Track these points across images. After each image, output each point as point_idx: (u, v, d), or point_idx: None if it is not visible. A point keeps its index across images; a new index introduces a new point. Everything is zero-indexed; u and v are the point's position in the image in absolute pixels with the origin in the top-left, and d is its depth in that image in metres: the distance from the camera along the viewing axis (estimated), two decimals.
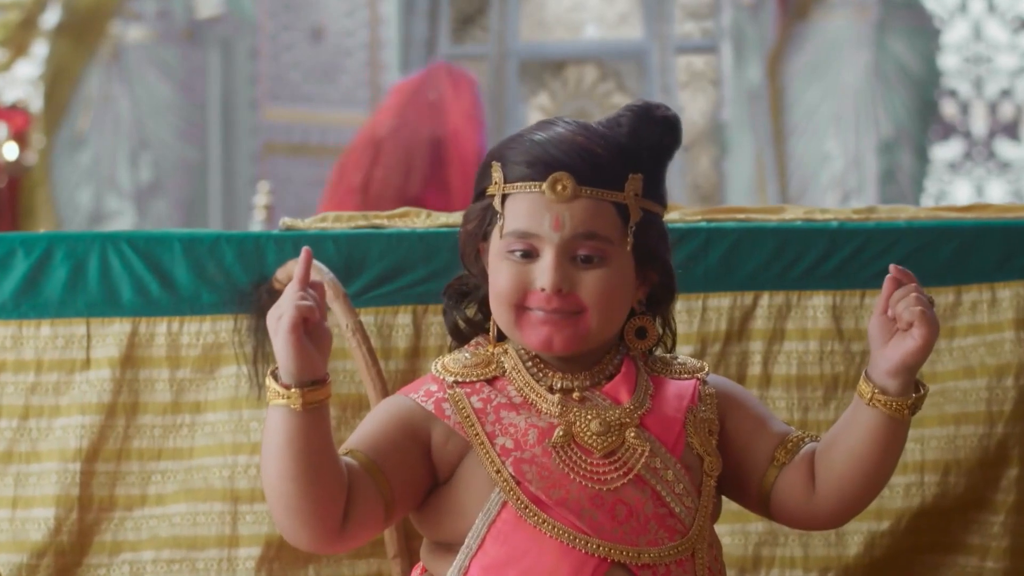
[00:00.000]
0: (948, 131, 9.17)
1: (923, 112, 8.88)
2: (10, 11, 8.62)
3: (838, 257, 2.39)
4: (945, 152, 9.18)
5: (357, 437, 1.98)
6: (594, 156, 1.97)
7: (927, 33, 8.93)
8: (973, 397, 2.38)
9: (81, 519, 2.34)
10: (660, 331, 2.08)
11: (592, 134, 1.99)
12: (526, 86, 9.95)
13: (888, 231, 2.39)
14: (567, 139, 1.97)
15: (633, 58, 9.76)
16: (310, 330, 1.84)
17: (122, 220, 8.61)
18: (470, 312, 2.08)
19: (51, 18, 8.67)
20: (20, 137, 8.50)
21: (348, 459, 1.94)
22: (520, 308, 1.98)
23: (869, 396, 1.95)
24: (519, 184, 1.98)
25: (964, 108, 9.19)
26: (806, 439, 2.05)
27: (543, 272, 1.96)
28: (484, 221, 2.02)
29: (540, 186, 1.96)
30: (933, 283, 2.36)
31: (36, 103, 8.64)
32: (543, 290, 1.96)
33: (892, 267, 1.93)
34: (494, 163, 2.00)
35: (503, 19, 9.71)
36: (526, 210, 1.97)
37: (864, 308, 2.39)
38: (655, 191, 2.02)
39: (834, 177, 8.76)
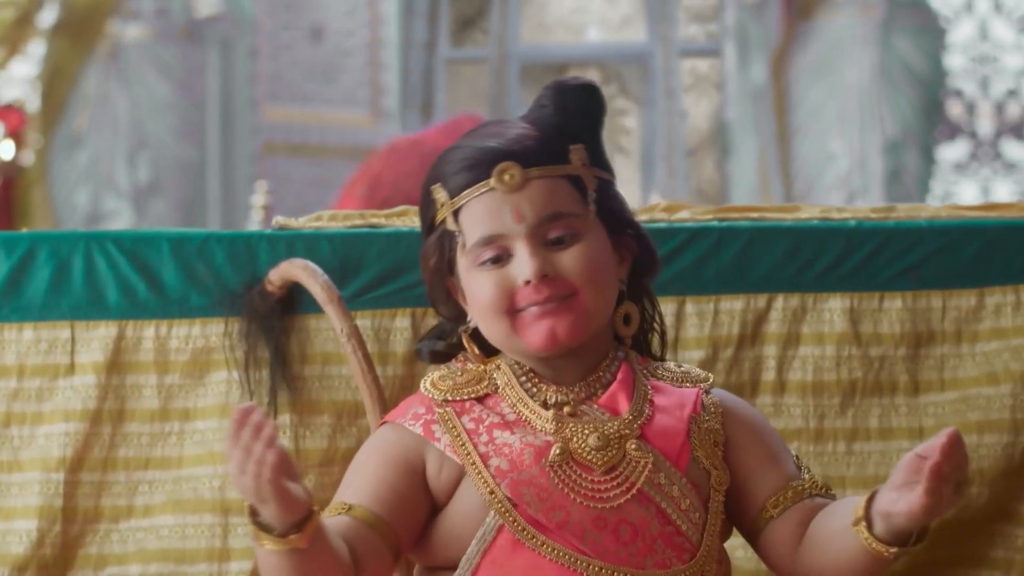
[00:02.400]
0: (954, 131, 9.16)
1: (929, 112, 8.90)
2: (5, 9, 8.60)
3: (856, 258, 2.32)
4: (951, 152, 9.17)
5: (356, 488, 1.91)
6: (531, 138, 1.92)
7: (933, 33, 8.94)
8: (997, 404, 2.30)
9: (65, 531, 2.27)
10: (650, 314, 2.01)
11: (520, 123, 1.94)
12: (527, 89, 9.92)
13: (908, 231, 2.32)
14: (498, 132, 1.93)
15: (636, 61, 9.74)
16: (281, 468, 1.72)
17: (120, 220, 8.61)
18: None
19: (48, 17, 8.66)
20: (15, 136, 8.49)
21: (349, 518, 1.87)
22: (511, 313, 1.91)
23: (856, 521, 1.82)
24: (466, 192, 1.92)
25: (970, 108, 9.18)
26: (806, 492, 1.95)
27: (522, 265, 1.89)
28: (444, 249, 1.95)
29: (488, 183, 1.90)
30: (955, 285, 2.30)
31: (34, 102, 8.63)
32: (528, 282, 1.89)
33: (949, 434, 1.75)
34: (433, 187, 1.95)
35: (504, 21, 9.68)
36: (482, 213, 1.91)
37: (883, 311, 2.32)
38: (599, 159, 1.96)
39: (839, 177, 8.77)
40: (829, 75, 8.80)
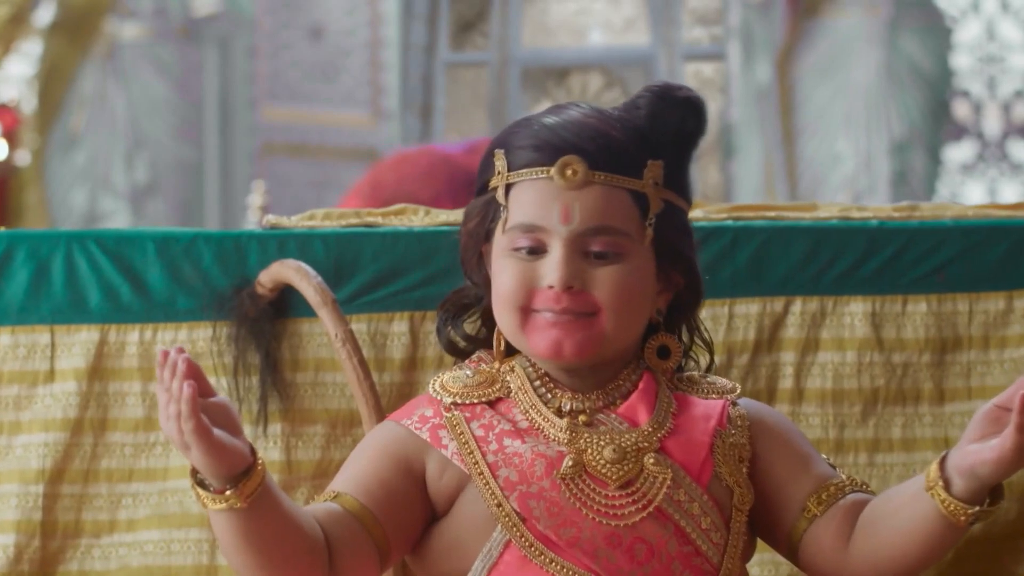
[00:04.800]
0: (960, 132, 9.15)
1: (935, 112, 8.93)
2: (0, 7, 8.60)
3: (878, 259, 2.26)
4: (958, 153, 9.17)
5: (346, 477, 1.84)
6: (609, 139, 1.81)
7: (939, 32, 8.97)
8: None
9: (44, 547, 2.21)
10: (688, 344, 1.92)
11: (607, 117, 1.84)
12: (528, 94, 9.91)
13: (933, 231, 2.26)
14: (579, 121, 1.82)
15: (640, 65, 9.73)
16: (211, 416, 1.66)
17: (117, 221, 8.66)
18: (471, 328, 1.93)
19: (45, 15, 8.67)
20: (9, 136, 8.50)
21: (335, 505, 1.79)
22: (526, 311, 1.82)
23: (931, 484, 1.75)
24: (524, 171, 1.82)
25: (977, 109, 9.18)
26: (847, 488, 1.87)
27: (551, 268, 1.81)
28: (487, 217, 1.86)
29: (548, 171, 1.81)
30: (982, 288, 2.24)
31: (30, 102, 8.64)
32: (551, 288, 1.80)
33: None
34: (497, 151, 1.85)
35: (505, 24, 9.68)
36: (532, 200, 1.82)
37: (906, 315, 2.25)
38: (678, 182, 1.86)
39: (845, 178, 8.79)
40: (835, 75, 8.82)
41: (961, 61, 9.06)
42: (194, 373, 1.64)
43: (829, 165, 8.84)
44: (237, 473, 1.67)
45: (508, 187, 1.83)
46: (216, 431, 1.64)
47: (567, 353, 1.81)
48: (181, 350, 1.65)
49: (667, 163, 1.84)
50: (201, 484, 1.69)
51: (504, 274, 1.83)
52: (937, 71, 8.89)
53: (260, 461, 1.69)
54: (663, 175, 1.84)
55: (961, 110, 9.14)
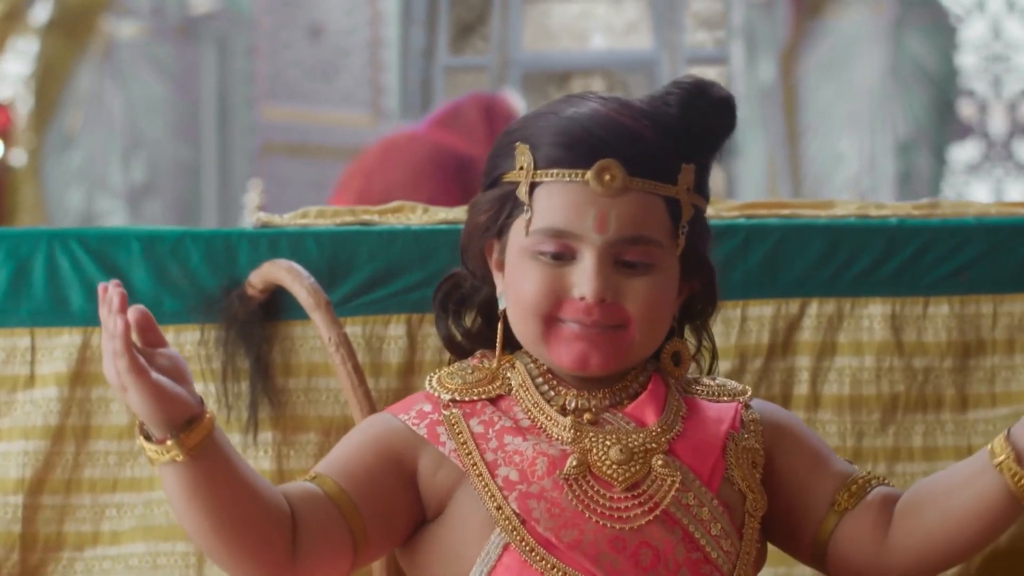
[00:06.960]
0: (966, 131, 9.15)
1: (940, 112, 8.94)
2: None
3: (897, 259, 2.21)
4: (963, 153, 9.17)
5: (329, 460, 1.77)
6: (645, 142, 1.73)
7: (944, 31, 9.00)
8: None
9: (24, 560, 2.17)
10: (696, 347, 1.87)
11: (638, 115, 1.75)
12: (529, 98, 9.89)
13: (955, 229, 2.21)
14: (610, 119, 1.74)
15: (642, 69, 9.75)
16: (156, 363, 1.60)
17: (114, 221, 8.67)
18: (467, 320, 1.87)
19: (41, 14, 8.68)
20: (5, 135, 8.51)
21: (312, 485, 1.73)
22: (551, 320, 1.75)
23: (1001, 459, 1.70)
24: (555, 171, 1.73)
25: (982, 108, 9.20)
26: (873, 481, 1.82)
27: (583, 278, 1.73)
28: (501, 213, 1.78)
29: (583, 175, 1.72)
30: (1007, 289, 2.20)
31: (27, 101, 8.65)
32: (582, 299, 1.73)
33: None
34: (519, 144, 1.76)
35: (505, 27, 9.69)
36: (563, 204, 1.73)
37: (927, 317, 2.21)
38: (703, 184, 1.79)
39: (848, 178, 8.81)
40: (839, 74, 8.84)
41: (966, 60, 9.07)
42: (141, 320, 1.59)
43: (833, 165, 8.85)
44: (180, 422, 1.60)
45: (532, 186, 1.75)
46: (156, 375, 1.58)
47: (594, 366, 1.75)
48: (118, 284, 1.59)
49: (697, 166, 1.77)
50: (147, 438, 1.63)
51: (527, 279, 1.75)
52: (942, 70, 8.90)
53: (209, 415, 1.63)
54: (693, 179, 1.77)
55: (966, 109, 9.16)
